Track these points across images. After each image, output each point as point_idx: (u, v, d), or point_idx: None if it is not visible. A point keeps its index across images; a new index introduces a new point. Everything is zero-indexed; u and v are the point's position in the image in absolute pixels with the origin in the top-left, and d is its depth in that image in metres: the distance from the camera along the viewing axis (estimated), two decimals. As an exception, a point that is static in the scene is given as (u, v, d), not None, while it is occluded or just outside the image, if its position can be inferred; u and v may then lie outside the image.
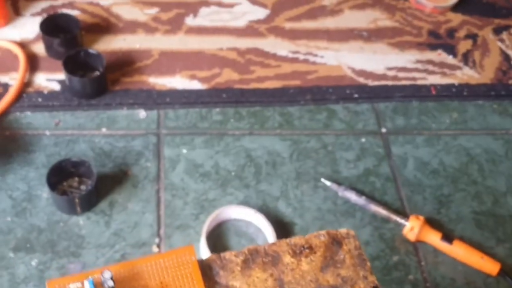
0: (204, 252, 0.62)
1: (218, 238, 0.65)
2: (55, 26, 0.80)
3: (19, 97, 0.75)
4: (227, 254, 0.40)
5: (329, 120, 0.78)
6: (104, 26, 0.85)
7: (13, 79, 0.76)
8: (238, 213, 0.66)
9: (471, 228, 0.69)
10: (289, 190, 0.70)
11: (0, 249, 0.62)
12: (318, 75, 0.82)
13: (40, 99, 0.75)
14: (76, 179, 0.68)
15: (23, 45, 0.81)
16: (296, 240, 0.41)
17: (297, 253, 0.40)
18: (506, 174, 0.74)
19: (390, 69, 0.84)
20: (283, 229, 0.67)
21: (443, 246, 0.66)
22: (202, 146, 0.73)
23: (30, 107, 0.74)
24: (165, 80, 0.79)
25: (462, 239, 0.68)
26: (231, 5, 0.91)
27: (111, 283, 0.37)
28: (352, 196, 0.69)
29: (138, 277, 0.38)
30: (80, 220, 0.65)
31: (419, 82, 0.83)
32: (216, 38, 0.86)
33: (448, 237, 0.66)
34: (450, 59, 0.87)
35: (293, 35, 0.87)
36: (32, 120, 0.73)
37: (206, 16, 0.89)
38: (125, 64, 0.81)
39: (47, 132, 0.72)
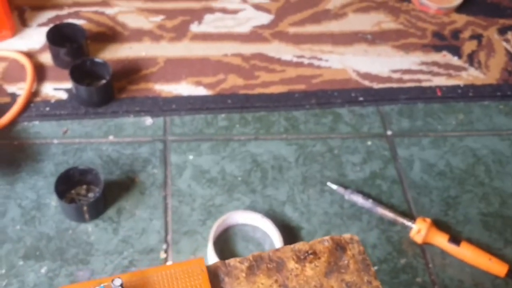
0: (212, 258, 0.62)
1: (225, 243, 0.66)
2: (61, 36, 0.81)
3: (27, 106, 0.76)
4: (232, 261, 0.40)
5: (334, 123, 0.78)
6: (110, 34, 0.86)
7: (21, 89, 0.77)
8: (244, 218, 0.67)
9: (478, 230, 0.69)
10: (296, 194, 0.70)
11: (10, 257, 0.63)
12: (323, 79, 0.82)
13: (47, 108, 0.76)
14: (84, 187, 0.68)
15: (30, 55, 0.82)
16: (300, 245, 0.41)
17: (301, 258, 0.40)
18: (513, 174, 0.74)
19: (395, 71, 0.84)
20: (290, 233, 0.67)
21: (450, 248, 0.66)
22: (208, 152, 0.73)
23: (38, 116, 0.75)
24: (171, 87, 0.80)
25: (470, 240, 0.67)
26: (235, 11, 0.91)
27: (121, 291, 0.37)
28: (358, 200, 0.69)
29: (148, 286, 0.38)
30: (89, 227, 0.66)
31: (424, 84, 0.83)
32: (221, 44, 0.86)
33: (455, 239, 0.66)
34: (455, 60, 0.87)
35: (298, 39, 0.88)
36: (40, 129, 0.74)
37: (210, 23, 0.89)
38: (131, 72, 0.81)
39: (55, 141, 0.73)
